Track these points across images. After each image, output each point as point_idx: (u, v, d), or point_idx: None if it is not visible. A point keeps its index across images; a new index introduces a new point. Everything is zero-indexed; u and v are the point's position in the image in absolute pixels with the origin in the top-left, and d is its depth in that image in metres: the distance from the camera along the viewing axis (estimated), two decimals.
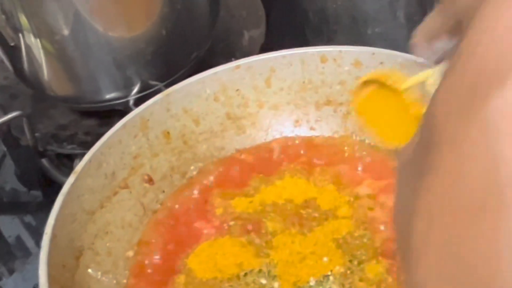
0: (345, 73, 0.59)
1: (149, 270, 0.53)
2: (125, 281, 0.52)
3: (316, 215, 0.55)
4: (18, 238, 0.67)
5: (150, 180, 0.58)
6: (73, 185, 0.52)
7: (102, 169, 0.55)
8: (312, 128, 0.61)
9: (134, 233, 0.55)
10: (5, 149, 0.75)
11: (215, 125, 0.61)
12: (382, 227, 0.52)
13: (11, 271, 0.64)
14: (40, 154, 0.70)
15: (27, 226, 0.68)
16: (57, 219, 0.49)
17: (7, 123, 0.67)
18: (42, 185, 0.72)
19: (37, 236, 0.65)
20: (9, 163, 0.75)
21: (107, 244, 0.53)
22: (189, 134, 0.60)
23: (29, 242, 0.66)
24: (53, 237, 0.48)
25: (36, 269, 0.60)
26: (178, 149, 0.59)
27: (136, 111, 0.57)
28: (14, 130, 0.73)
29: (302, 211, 0.55)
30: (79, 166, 0.53)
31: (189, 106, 0.59)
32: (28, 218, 0.69)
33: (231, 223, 0.55)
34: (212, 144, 0.61)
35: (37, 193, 0.72)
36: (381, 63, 0.57)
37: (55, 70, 0.66)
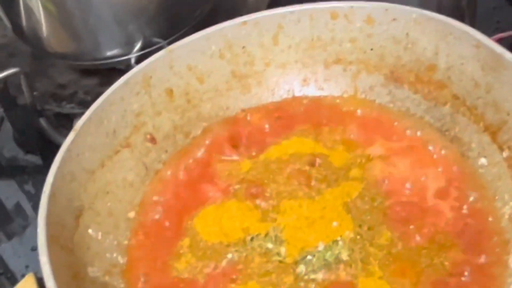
0: (356, 30, 0.56)
1: (151, 232, 0.51)
2: (126, 242, 0.51)
3: (327, 173, 0.52)
4: (17, 204, 0.65)
5: (153, 139, 0.56)
6: (72, 142, 0.50)
7: (103, 127, 0.53)
8: (320, 88, 0.59)
9: (135, 194, 0.54)
10: (2, 113, 0.73)
11: (220, 83, 0.59)
12: (393, 191, 0.50)
13: (9, 236, 0.63)
14: (38, 114, 0.68)
15: (25, 191, 0.66)
16: (55, 178, 0.47)
17: (4, 80, 0.65)
18: (40, 147, 0.70)
19: (36, 201, 0.63)
20: (7, 127, 0.73)
21: (108, 204, 0.52)
22: (193, 93, 0.58)
23: (27, 208, 0.64)
24: (52, 195, 0.46)
25: (34, 234, 0.59)
26: (182, 108, 0.57)
27: (138, 67, 0.55)
28: (11, 89, 0.71)
29: (312, 171, 0.53)
30: (79, 123, 0.51)
31: (193, 63, 0.57)
32: (27, 183, 0.67)
33: (236, 186, 0.53)
34: (217, 103, 0.59)
35: (35, 158, 0.70)
36: (394, 19, 0.54)
37: (54, 26, 0.64)
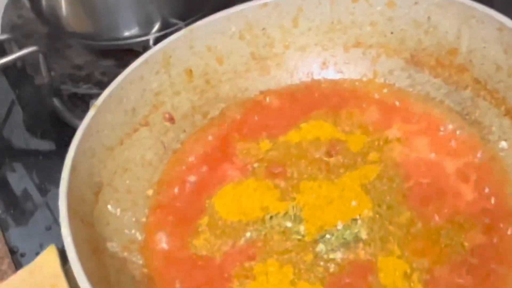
0: (376, 13, 0.56)
1: (169, 210, 0.51)
2: (144, 219, 0.51)
3: (345, 160, 0.52)
4: (24, 189, 0.65)
5: (171, 119, 0.56)
6: (93, 118, 0.50)
7: (122, 105, 0.53)
8: (339, 71, 0.59)
9: (154, 172, 0.54)
10: (13, 97, 0.73)
11: (239, 65, 0.58)
12: (412, 173, 0.50)
13: (18, 223, 0.63)
14: (54, 93, 0.68)
15: (33, 177, 0.66)
16: (76, 152, 0.47)
17: (22, 58, 0.65)
18: (52, 132, 0.70)
19: (43, 188, 0.63)
20: (17, 112, 0.73)
21: (127, 182, 0.52)
22: (212, 73, 0.58)
23: (35, 193, 0.64)
24: (73, 169, 0.46)
25: (43, 218, 0.59)
26: (200, 88, 0.57)
27: (158, 46, 0.55)
28: (29, 68, 0.71)
29: (330, 159, 0.53)
30: (99, 100, 0.51)
31: (213, 43, 0.57)
32: (34, 169, 0.67)
33: (255, 165, 0.53)
34: (236, 85, 0.58)
35: (45, 143, 0.70)
36: (416, 3, 0.54)
37: (74, 5, 0.64)
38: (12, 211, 0.62)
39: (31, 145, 0.70)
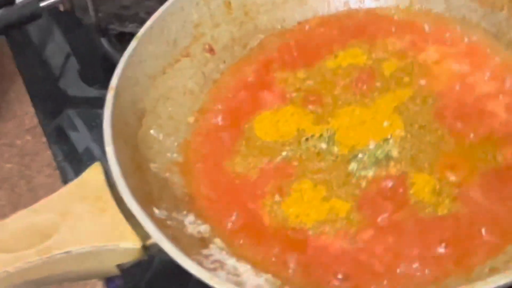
0: None
1: (209, 135, 0.53)
2: (186, 144, 0.53)
3: (378, 85, 0.53)
4: (87, 148, 0.67)
5: (211, 50, 0.58)
6: (135, 49, 0.52)
7: (163, 36, 0.55)
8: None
9: (195, 101, 0.56)
10: (68, 49, 0.75)
11: None
12: (446, 93, 0.51)
13: (77, 171, 0.65)
14: (102, 34, 0.71)
15: (94, 133, 0.67)
16: (120, 80, 0.50)
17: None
18: (105, 80, 0.72)
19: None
20: (73, 64, 0.75)
21: (169, 109, 0.54)
22: (250, 5, 0.59)
23: (97, 151, 0.66)
24: (117, 95, 0.49)
25: None
26: (239, 20, 0.59)
27: None
28: (77, 11, 0.74)
29: (364, 84, 0.54)
30: (141, 31, 0.54)
31: None
32: (95, 121, 0.69)
33: (294, 94, 0.55)
34: (274, 16, 0.60)
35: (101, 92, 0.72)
36: None
37: None
38: (71, 160, 0.64)
39: (87, 93, 0.73)
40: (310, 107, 0.53)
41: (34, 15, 0.65)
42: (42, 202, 0.44)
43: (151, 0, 0.73)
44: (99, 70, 0.73)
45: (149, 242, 0.41)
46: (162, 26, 0.55)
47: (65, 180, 0.61)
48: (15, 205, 0.60)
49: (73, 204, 0.43)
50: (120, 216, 0.42)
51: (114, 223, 0.41)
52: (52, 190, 0.45)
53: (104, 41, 0.71)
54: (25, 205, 0.44)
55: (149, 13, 0.71)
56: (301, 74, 0.56)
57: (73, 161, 0.64)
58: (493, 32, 0.53)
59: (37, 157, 0.65)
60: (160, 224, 0.43)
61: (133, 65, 0.52)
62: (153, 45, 0.54)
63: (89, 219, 0.41)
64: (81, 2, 0.71)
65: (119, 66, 0.51)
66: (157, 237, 0.39)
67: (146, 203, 0.44)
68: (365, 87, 0.54)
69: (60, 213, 0.42)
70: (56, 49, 0.77)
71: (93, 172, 0.44)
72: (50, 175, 0.63)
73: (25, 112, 0.70)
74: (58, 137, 0.67)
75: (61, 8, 0.74)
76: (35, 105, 0.71)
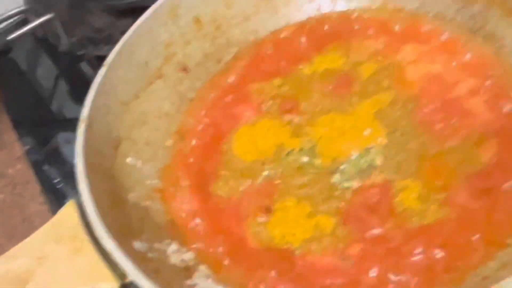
0: None
1: (189, 157, 0.52)
2: (165, 169, 0.52)
3: (357, 90, 0.52)
4: None
5: (185, 69, 0.56)
6: (104, 76, 0.51)
7: (134, 60, 0.54)
8: (348, 1, 0.58)
9: (172, 122, 0.55)
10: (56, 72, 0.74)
11: (248, 7, 0.58)
12: (426, 95, 0.49)
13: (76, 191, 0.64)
14: (79, 59, 0.69)
15: None
16: (91, 110, 0.49)
17: (42, 27, 0.67)
18: None
19: None
20: (62, 84, 0.74)
21: (145, 134, 0.53)
22: (220, 19, 0.58)
23: None
24: (89, 126, 0.48)
25: None
26: (211, 35, 0.58)
27: None
28: (51, 38, 0.73)
29: (341, 90, 0.53)
30: (110, 57, 0.52)
31: None
32: None
33: (269, 102, 0.53)
34: (246, 28, 0.58)
35: None
36: None
37: None
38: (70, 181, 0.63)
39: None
40: (287, 116, 0.52)
41: (5, 49, 0.64)
42: (18, 246, 0.43)
43: (125, 19, 0.72)
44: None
45: (127, 280, 0.40)
46: (131, 49, 0.53)
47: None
48: (11, 236, 0.59)
49: (49, 246, 0.42)
50: (96, 257, 0.40)
51: (90, 264, 0.40)
52: (47, 218, 0.44)
53: (83, 66, 0.70)
54: (21, 236, 0.43)
55: (124, 33, 0.71)
56: (276, 81, 0.55)
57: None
58: (469, 26, 0.52)
59: (29, 185, 0.64)
60: (140, 258, 0.41)
61: (104, 93, 0.51)
62: (124, 70, 0.53)
63: (64, 262, 0.40)
64: (53, 29, 0.70)
65: (89, 96, 0.49)
66: (134, 275, 0.38)
67: (125, 238, 0.42)
68: (343, 92, 0.53)
69: (36, 257, 0.41)
70: (45, 72, 0.76)
71: (68, 211, 0.43)
72: (43, 203, 0.62)
73: (14, 139, 0.69)
74: (54, 160, 0.66)
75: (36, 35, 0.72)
76: (20, 134, 0.70)
